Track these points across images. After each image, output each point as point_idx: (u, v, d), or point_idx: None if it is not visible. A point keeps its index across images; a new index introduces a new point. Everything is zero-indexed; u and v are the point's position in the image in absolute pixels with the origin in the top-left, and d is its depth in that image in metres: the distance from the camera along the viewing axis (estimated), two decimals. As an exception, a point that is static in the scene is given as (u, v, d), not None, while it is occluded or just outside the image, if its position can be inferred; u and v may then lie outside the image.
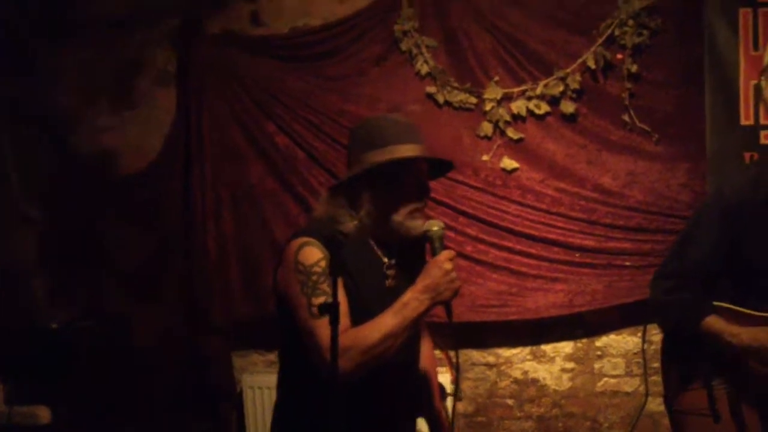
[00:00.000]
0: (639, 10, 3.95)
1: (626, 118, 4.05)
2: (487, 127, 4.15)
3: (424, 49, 4.18)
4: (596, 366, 4.30)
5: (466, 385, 4.35)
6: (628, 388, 4.27)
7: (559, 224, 4.13)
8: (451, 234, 4.17)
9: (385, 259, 2.36)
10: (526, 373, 4.34)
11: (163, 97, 4.49)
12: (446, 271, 2.19)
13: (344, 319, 2.16)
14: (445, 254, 2.23)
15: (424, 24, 4.22)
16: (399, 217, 2.30)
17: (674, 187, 4.06)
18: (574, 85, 4.07)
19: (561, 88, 4.07)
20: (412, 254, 2.44)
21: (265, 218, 4.32)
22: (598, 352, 4.29)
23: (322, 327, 2.11)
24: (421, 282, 2.19)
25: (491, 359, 4.37)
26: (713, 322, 2.59)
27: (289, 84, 4.30)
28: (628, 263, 4.11)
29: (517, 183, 4.17)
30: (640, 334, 4.23)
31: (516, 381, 4.35)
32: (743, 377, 2.58)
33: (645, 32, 3.97)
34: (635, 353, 4.24)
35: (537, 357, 4.34)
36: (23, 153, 4.54)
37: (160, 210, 4.45)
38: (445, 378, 4.09)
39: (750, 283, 2.61)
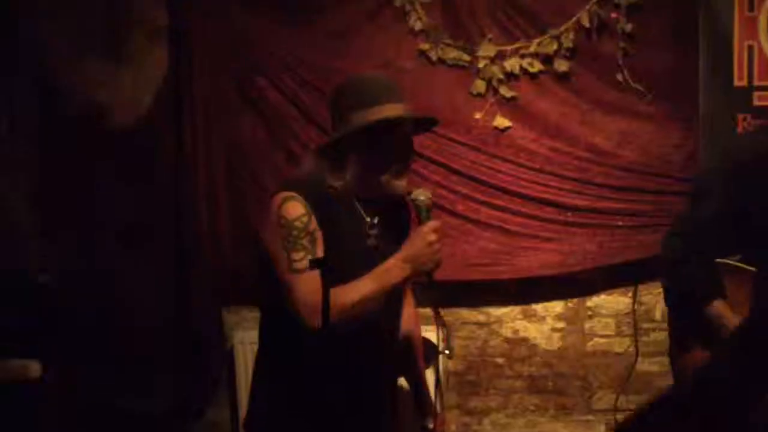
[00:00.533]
0: (634, -32, 3.92)
1: (620, 77, 4.04)
2: (480, 85, 4.13)
3: (417, 5, 4.15)
4: (587, 326, 4.32)
5: (456, 344, 4.35)
6: (618, 349, 4.29)
7: (552, 183, 4.13)
8: (443, 192, 4.18)
9: (368, 219, 2.36)
10: (516, 332, 4.36)
11: (155, 53, 4.45)
12: (430, 242, 2.20)
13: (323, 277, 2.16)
14: (431, 225, 2.23)
15: (418, -21, 4.18)
16: (384, 177, 2.29)
17: (667, 148, 4.06)
18: (568, 44, 4.05)
19: (555, 47, 4.05)
20: (396, 216, 2.44)
21: (254, 171, 4.31)
22: (589, 312, 4.31)
23: (301, 282, 2.14)
24: (405, 250, 2.21)
25: (482, 318, 4.38)
26: (720, 307, 2.64)
27: (281, 39, 4.27)
28: (620, 223, 4.11)
29: (510, 141, 4.16)
30: (630, 295, 4.26)
31: (506, 340, 4.37)
32: None
33: (640, -9, 3.95)
34: (626, 314, 4.26)
35: (527, 316, 4.36)
36: (14, 105, 4.51)
37: (152, 164, 4.43)
38: (434, 336, 4.11)
39: (757, 241, 2.63)
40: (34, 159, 4.42)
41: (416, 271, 2.22)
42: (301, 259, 2.17)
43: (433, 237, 2.21)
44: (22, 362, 3.77)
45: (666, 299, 2.89)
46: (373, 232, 2.36)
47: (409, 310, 2.69)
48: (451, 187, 4.19)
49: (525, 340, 4.36)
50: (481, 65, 4.11)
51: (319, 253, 2.19)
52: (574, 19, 4.02)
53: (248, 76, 4.31)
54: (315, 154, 2.39)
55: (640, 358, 4.21)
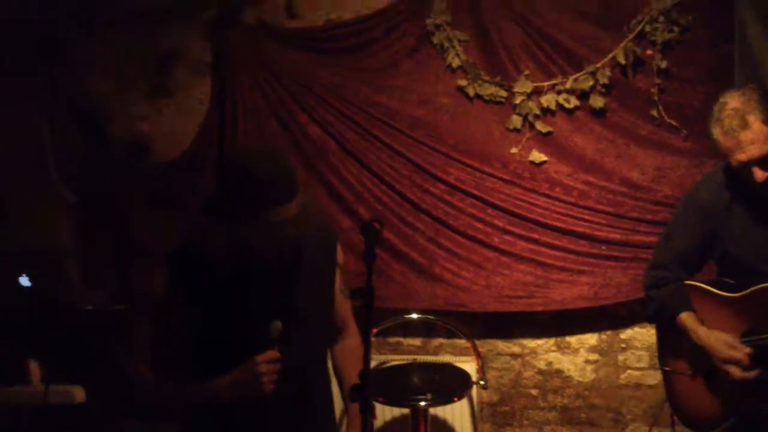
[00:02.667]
0: (670, 7, 3.97)
1: (655, 113, 4.07)
2: (516, 120, 4.20)
3: (455, 43, 4.24)
4: (620, 358, 4.34)
5: (491, 375, 4.41)
6: (651, 381, 4.31)
7: (587, 217, 4.16)
8: (480, 225, 4.24)
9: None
10: (550, 363, 4.40)
11: (198, 87, 4.58)
12: (258, 373, 2.24)
13: (167, 356, 2.32)
14: (266, 356, 2.26)
15: (455, 18, 4.26)
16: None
17: (701, 183, 4.09)
18: (604, 80, 4.10)
19: (591, 83, 4.11)
20: (314, 245, 2.46)
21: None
22: (623, 345, 4.33)
23: (141, 354, 2.37)
24: (233, 374, 2.26)
25: (516, 349, 4.43)
26: (685, 318, 3.03)
27: (322, 75, 4.37)
28: (653, 257, 4.15)
29: (546, 176, 4.22)
30: (664, 328, 4.27)
31: (540, 371, 4.41)
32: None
33: (675, 29, 3.99)
34: (659, 347, 4.28)
35: (561, 348, 4.39)
36: (61, 139, 4.63)
37: (192, 198, 4.51)
38: (471, 366, 4.16)
39: (730, 266, 3.01)
40: (80, 200, 4.53)
41: (240, 396, 2.27)
42: (150, 332, 2.38)
43: (263, 368, 2.24)
44: (67, 387, 3.85)
45: (646, 316, 3.32)
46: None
47: (347, 351, 2.70)
48: (487, 220, 4.24)
49: (559, 371, 4.39)
50: (517, 101, 4.18)
51: (179, 327, 2.31)
52: (610, 55, 4.07)
53: (289, 110, 4.40)
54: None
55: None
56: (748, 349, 2.85)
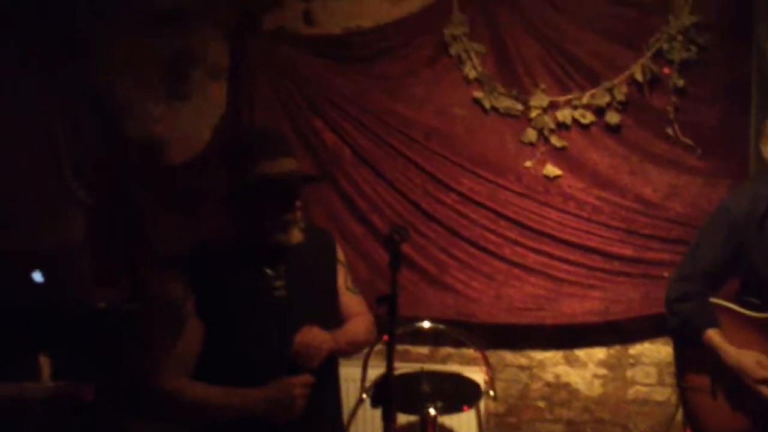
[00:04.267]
0: (689, 26, 3.98)
1: (670, 131, 4.08)
2: (531, 134, 4.22)
3: (472, 55, 4.26)
4: (628, 374, 4.35)
5: (498, 386, 4.41)
6: (659, 397, 4.32)
7: (599, 232, 4.17)
8: (492, 236, 4.25)
9: (269, 271, 2.44)
10: (558, 376, 4.40)
11: (214, 90, 4.59)
12: (292, 396, 2.30)
13: (181, 364, 2.33)
14: (303, 379, 2.32)
15: (473, 30, 4.28)
16: (269, 231, 2.39)
17: (715, 202, 4.03)
18: (620, 97, 4.11)
19: (607, 99, 4.12)
20: (317, 254, 2.56)
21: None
22: (631, 360, 4.34)
23: (156, 363, 2.34)
24: (268, 391, 2.31)
25: (524, 361, 4.43)
26: (712, 335, 3.00)
27: (339, 82, 4.39)
28: (665, 274, 4.10)
29: (559, 190, 4.23)
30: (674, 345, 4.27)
31: (548, 384, 4.42)
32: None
33: (693, 48, 4.01)
34: (668, 363, 4.26)
35: (570, 361, 4.40)
36: (75, 137, 4.65)
37: (204, 200, 4.53)
38: (479, 376, 4.17)
39: (756, 284, 3.01)
40: (94, 200, 4.55)
41: (269, 413, 2.31)
42: (164, 339, 2.33)
43: (298, 391, 2.31)
44: (76, 384, 3.87)
45: (668, 329, 3.25)
46: (280, 283, 2.44)
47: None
48: (499, 232, 4.25)
49: (566, 384, 4.40)
50: (533, 115, 4.20)
51: (189, 337, 2.32)
52: (628, 72, 4.09)
53: (305, 117, 4.42)
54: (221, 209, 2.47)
55: (681, 409, 4.22)
56: None
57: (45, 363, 3.94)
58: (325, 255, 2.63)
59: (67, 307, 4.01)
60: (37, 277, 4.14)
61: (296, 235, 2.43)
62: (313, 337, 2.37)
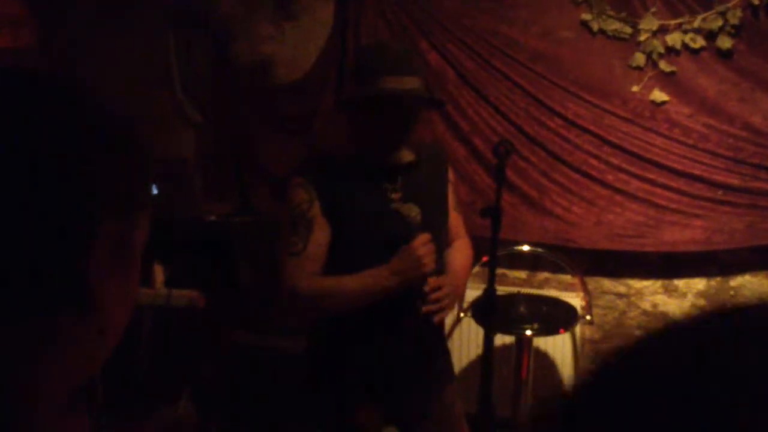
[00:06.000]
0: (811, -55, 3.85)
1: (785, 57, 3.97)
2: (639, 58, 4.14)
3: (582, -25, 4.19)
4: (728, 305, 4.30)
5: (595, 312, 4.42)
6: (758, 331, 4.26)
7: (705, 160, 4.10)
8: (595, 162, 4.23)
9: (386, 183, 2.50)
10: (656, 305, 4.39)
11: (322, 10, 4.64)
12: (417, 257, 2.37)
13: (312, 263, 2.41)
14: (421, 239, 2.39)
15: (584, -50, 4.21)
16: (383, 148, 2.46)
17: (829, 131, 3.99)
18: (734, 21, 3.99)
19: (720, 23, 4.01)
20: (430, 167, 2.61)
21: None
22: (731, 292, 4.29)
23: (289, 265, 2.40)
24: (393, 263, 2.39)
25: (622, 289, 4.43)
26: None
27: (445, 3, 4.37)
28: (772, 204, 4.08)
29: (666, 116, 4.16)
30: (776, 278, 4.22)
31: (645, 312, 4.41)
32: None
33: (815, -31, 3.87)
34: (770, 296, 4.23)
35: (668, 291, 4.38)
36: (187, 58, 4.79)
37: (311, 120, 4.63)
38: (576, 302, 4.20)
39: None
40: (204, 118, 4.70)
41: (402, 282, 2.39)
42: (295, 243, 2.40)
43: (422, 251, 2.38)
44: (189, 291, 4.05)
45: None
46: (396, 195, 2.50)
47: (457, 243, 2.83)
48: (602, 157, 4.22)
49: (664, 314, 4.38)
50: (642, 38, 4.12)
51: (318, 237, 2.41)
52: (743, -5, 3.98)
53: (410, 38, 4.43)
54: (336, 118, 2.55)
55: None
56: None
57: (158, 271, 4.13)
58: (439, 172, 2.70)
59: (179, 218, 4.18)
60: (152, 189, 4.32)
61: (407, 155, 2.51)
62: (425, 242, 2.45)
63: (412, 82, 2.38)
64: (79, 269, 0.79)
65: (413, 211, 2.50)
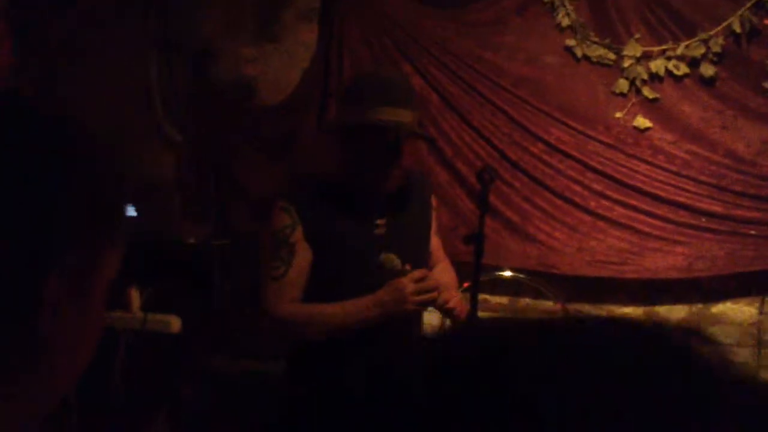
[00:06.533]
0: (792, -25, 3.87)
1: (767, 85, 3.98)
2: (623, 84, 4.15)
3: (566, 1, 4.19)
4: (708, 332, 4.28)
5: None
6: (738, 359, 4.24)
7: (688, 187, 4.10)
8: (577, 188, 4.22)
9: (371, 211, 2.47)
10: (637, 332, 4.36)
11: (305, 32, 4.62)
12: (405, 293, 2.31)
13: (292, 289, 2.38)
14: (414, 275, 2.33)
15: (567, -23, 4.22)
16: (370, 176, 2.40)
17: (810, 160, 4.00)
18: (716, 49, 4.01)
19: (702, 51, 4.03)
20: (411, 195, 2.57)
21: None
22: (713, 319, 4.28)
23: (270, 289, 2.38)
24: (378, 294, 2.33)
25: (604, 315, 4.39)
26: None
27: (429, 27, 4.37)
28: (753, 232, 4.06)
29: (649, 143, 4.16)
30: (758, 305, 4.20)
31: (627, 339, 4.37)
32: None
33: (796, -2, 3.89)
34: (750, 324, 4.21)
35: (650, 317, 4.35)
36: (168, 79, 4.74)
37: (293, 141, 4.59)
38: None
39: None
40: (184, 139, 4.66)
41: (384, 315, 2.33)
42: (277, 267, 2.36)
43: (411, 288, 2.31)
44: (164, 316, 3.98)
45: None
46: (381, 221, 2.46)
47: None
48: (585, 183, 4.21)
49: (646, 340, 4.35)
50: (625, 64, 4.12)
51: (300, 262, 2.37)
52: (725, 23, 3.98)
53: (393, 61, 4.41)
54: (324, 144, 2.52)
55: (761, 370, 4.17)
56: None
57: (135, 295, 4.07)
58: (423, 199, 2.66)
59: (158, 241, 4.12)
60: (129, 211, 4.26)
61: (393, 184, 2.47)
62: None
63: (407, 116, 2.34)
64: (28, 316, 0.71)
65: (396, 241, 2.46)
